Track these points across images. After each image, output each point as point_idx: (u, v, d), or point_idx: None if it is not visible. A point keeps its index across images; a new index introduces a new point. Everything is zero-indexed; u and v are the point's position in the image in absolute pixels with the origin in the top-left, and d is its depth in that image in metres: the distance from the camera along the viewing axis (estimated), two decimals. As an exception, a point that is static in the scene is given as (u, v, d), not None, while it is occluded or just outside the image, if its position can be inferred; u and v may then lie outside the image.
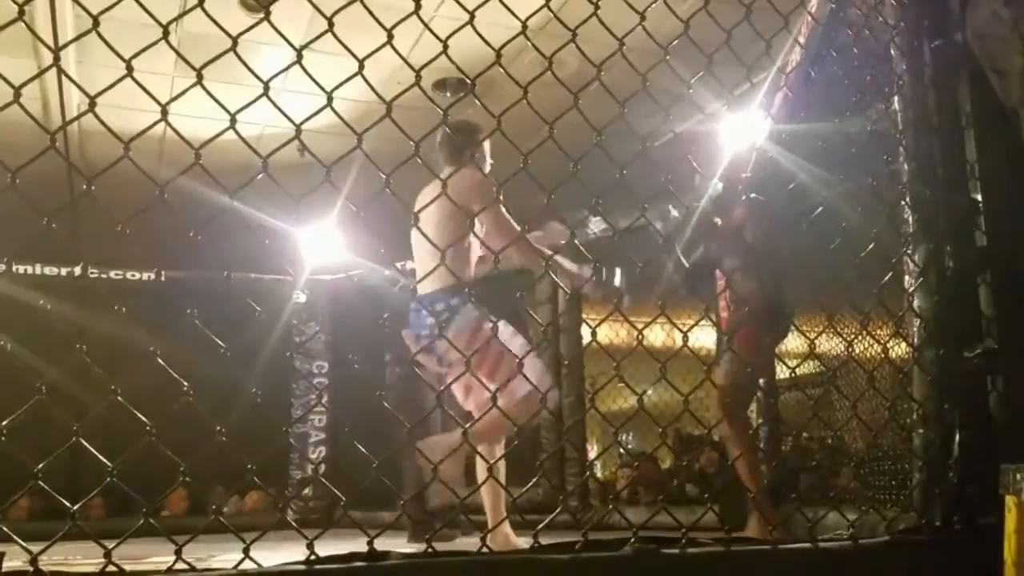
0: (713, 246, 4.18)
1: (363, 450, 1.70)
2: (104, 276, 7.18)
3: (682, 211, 4.22)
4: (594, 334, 1.95)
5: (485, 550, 1.66)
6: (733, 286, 3.81)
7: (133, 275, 7.27)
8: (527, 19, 1.83)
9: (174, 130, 1.47)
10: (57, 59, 1.37)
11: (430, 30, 1.77)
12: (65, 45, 1.39)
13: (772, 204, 4.03)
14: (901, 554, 1.91)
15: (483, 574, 1.59)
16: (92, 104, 1.37)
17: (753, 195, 4.15)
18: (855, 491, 2.79)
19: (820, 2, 3.14)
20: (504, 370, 3.03)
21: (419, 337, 3.32)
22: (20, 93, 1.30)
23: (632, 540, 1.70)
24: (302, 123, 1.58)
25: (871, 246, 2.23)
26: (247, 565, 1.44)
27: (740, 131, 5.42)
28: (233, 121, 1.50)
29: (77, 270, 7.17)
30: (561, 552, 1.66)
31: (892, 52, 2.34)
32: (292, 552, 1.58)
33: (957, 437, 2.03)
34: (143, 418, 1.47)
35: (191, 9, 1.49)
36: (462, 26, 1.71)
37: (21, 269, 6.91)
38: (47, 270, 7.08)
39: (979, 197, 2.16)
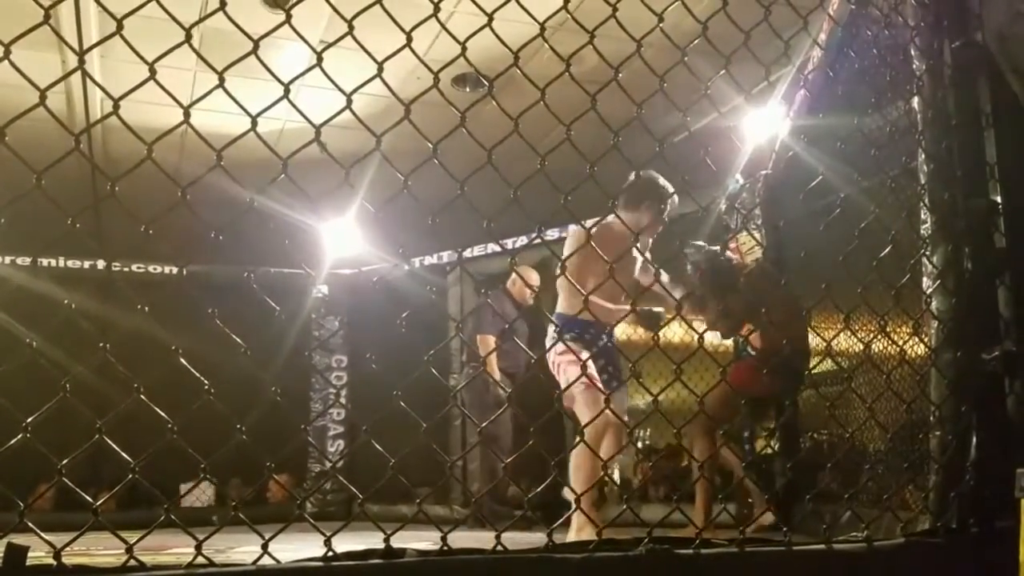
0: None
1: (380, 448, 1.71)
2: (125, 269, 7.25)
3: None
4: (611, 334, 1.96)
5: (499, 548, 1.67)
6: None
7: (154, 268, 7.34)
8: (545, 21, 1.84)
9: (196, 132, 1.48)
10: (82, 63, 1.39)
11: (448, 32, 1.77)
12: (89, 49, 1.40)
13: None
14: (916, 556, 1.91)
15: (498, 572, 1.60)
16: (116, 107, 1.38)
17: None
18: (870, 491, 2.78)
19: (840, 1, 3.12)
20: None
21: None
22: (46, 96, 1.31)
23: (646, 540, 1.70)
24: (322, 124, 1.60)
25: (888, 248, 2.22)
26: (266, 561, 1.46)
27: (760, 128, 5.42)
28: (254, 124, 1.51)
29: (99, 264, 7.23)
30: (575, 551, 1.67)
31: (912, 52, 2.33)
32: (310, 545, 1.60)
33: (974, 440, 2.02)
34: (165, 416, 1.49)
35: (214, 12, 1.51)
36: (480, 29, 1.72)
37: (43, 262, 6.99)
38: (69, 263, 7.15)
39: (999, 199, 2.15)
